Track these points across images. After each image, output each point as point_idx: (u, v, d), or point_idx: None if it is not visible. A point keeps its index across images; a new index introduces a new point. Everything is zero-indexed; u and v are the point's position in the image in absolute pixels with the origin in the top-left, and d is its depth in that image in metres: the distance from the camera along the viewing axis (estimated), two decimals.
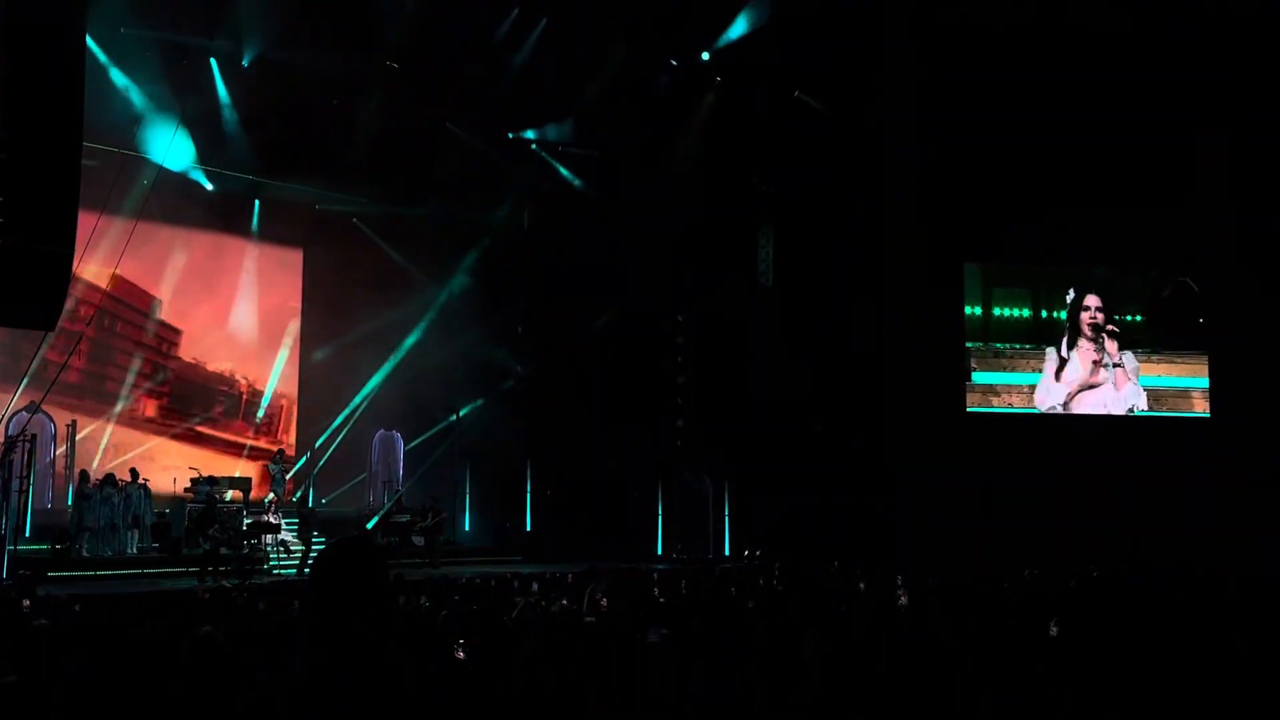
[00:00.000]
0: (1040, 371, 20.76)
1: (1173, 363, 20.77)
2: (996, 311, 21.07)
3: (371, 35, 18.95)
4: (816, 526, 19.28)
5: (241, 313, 22.64)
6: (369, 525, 20.38)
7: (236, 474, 21.07)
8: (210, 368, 22.41)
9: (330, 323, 22.46)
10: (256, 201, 22.40)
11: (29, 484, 16.15)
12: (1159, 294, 21.17)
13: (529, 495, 23.18)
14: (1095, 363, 20.60)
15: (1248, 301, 19.86)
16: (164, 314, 21.68)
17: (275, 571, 17.53)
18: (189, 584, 14.58)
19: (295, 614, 8.62)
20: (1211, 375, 20.62)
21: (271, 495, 19.10)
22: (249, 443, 22.60)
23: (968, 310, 21.03)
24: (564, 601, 9.27)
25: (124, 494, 17.53)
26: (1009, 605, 9.15)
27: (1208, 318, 20.77)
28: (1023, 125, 18.84)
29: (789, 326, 21.14)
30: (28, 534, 16.63)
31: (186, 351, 22.04)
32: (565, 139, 22.50)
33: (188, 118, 18.73)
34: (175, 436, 21.46)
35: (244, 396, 22.73)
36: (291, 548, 18.21)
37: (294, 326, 23.36)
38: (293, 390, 23.44)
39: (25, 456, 15.81)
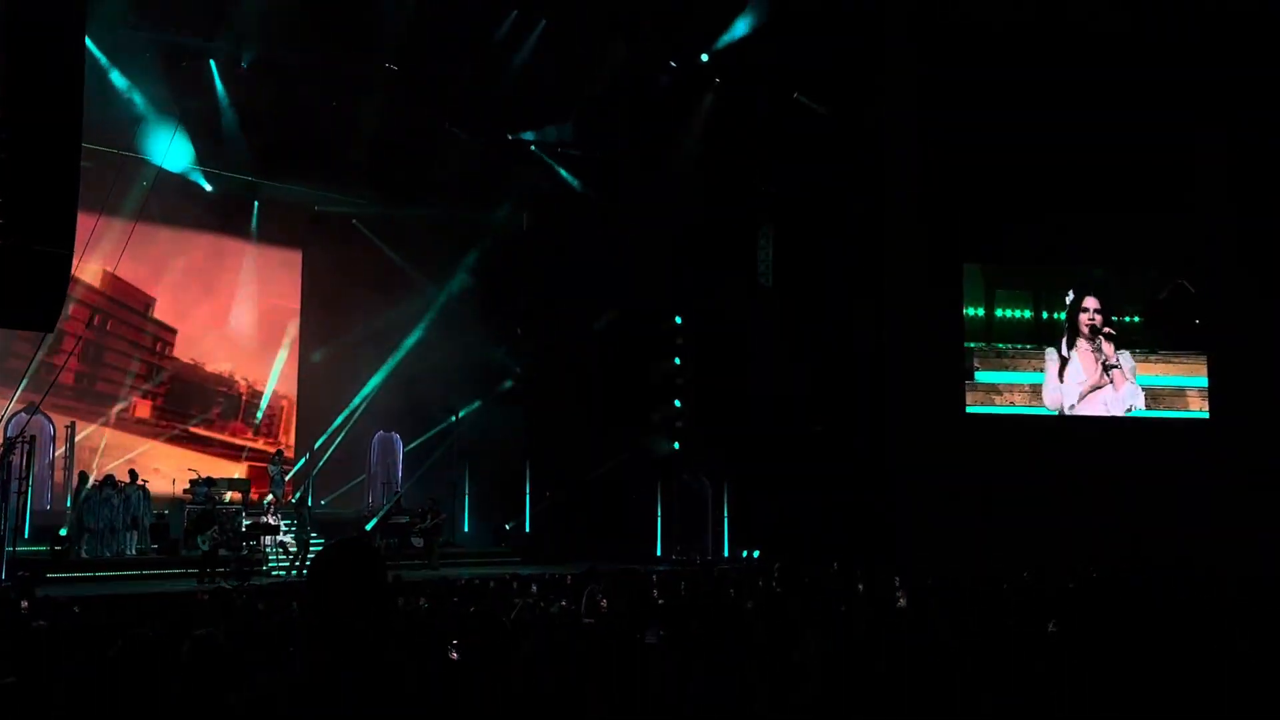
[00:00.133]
0: (1042, 371, 20.77)
1: (1169, 362, 20.79)
2: (999, 313, 21.11)
3: (371, 36, 18.95)
4: (816, 527, 19.27)
5: (240, 314, 22.64)
6: (368, 527, 20.37)
7: (235, 475, 21.06)
8: (209, 369, 22.41)
9: (329, 324, 22.48)
10: (255, 202, 22.40)
11: (28, 485, 16.16)
12: (1157, 295, 21.19)
13: (528, 496, 23.18)
14: (1102, 365, 20.64)
15: (1247, 301, 19.84)
16: (163, 315, 21.68)
17: (274, 573, 17.53)
18: (188, 585, 14.57)
19: (294, 615, 8.61)
20: (1211, 376, 20.61)
21: (270, 497, 19.08)
22: (248, 444, 22.59)
23: (971, 311, 21.05)
24: (563, 603, 9.27)
25: (123, 495, 17.52)
26: (1009, 605, 9.14)
27: (1207, 318, 20.76)
28: (1023, 125, 18.82)
29: (789, 326, 21.13)
30: (26, 535, 16.65)
31: (185, 353, 22.03)
32: (565, 140, 22.50)
33: (187, 119, 18.73)
34: (174, 438, 21.44)
35: (243, 398, 22.73)
36: (290, 549, 18.21)
37: (293, 328, 23.36)
38: (292, 391, 23.44)
39: (24, 458, 15.82)
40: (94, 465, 19.19)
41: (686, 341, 23.30)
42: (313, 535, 18.33)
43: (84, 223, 12.72)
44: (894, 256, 20.59)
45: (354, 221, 22.82)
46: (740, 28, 20.20)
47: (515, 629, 6.38)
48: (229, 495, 19.44)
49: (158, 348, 21.63)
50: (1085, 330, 20.74)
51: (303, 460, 22.35)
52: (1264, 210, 19.51)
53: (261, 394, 22.90)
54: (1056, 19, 19.56)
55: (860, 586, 11.10)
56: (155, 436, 21.13)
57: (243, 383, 22.74)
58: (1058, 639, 6.91)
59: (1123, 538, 16.65)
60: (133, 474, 18.13)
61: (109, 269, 19.33)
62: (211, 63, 19.25)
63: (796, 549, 18.53)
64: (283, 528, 18.54)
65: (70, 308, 17.06)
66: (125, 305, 21.02)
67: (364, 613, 2.65)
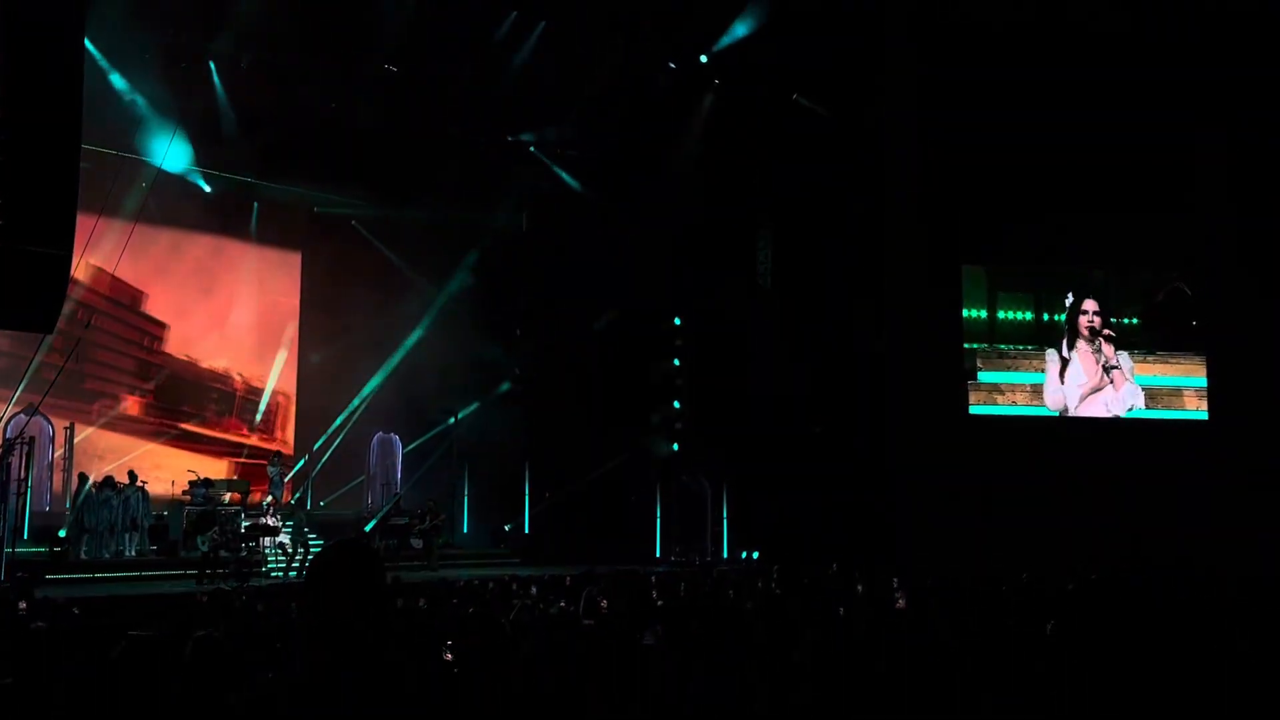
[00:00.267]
0: (1043, 372, 20.79)
1: (1166, 363, 20.82)
2: (1001, 315, 21.16)
3: (371, 37, 18.94)
4: (816, 527, 19.27)
5: (239, 315, 22.61)
6: (367, 528, 20.36)
7: (222, 476, 21.01)
8: (209, 370, 22.37)
9: (328, 325, 22.45)
10: (255, 203, 22.39)
11: (27, 487, 16.16)
12: (1154, 298, 21.20)
13: (527, 497, 23.17)
14: (1102, 367, 20.67)
15: (1247, 302, 19.83)
16: (161, 316, 21.64)
17: (273, 574, 17.52)
18: (187, 587, 14.57)
19: (293, 616, 8.61)
20: (1211, 376, 20.61)
21: (270, 498, 19.06)
22: (247, 443, 22.57)
23: (975, 314, 21.09)
24: (562, 604, 9.26)
25: (122, 497, 17.51)
26: (1008, 606, 9.14)
27: (1207, 318, 20.75)
28: (1023, 125, 18.80)
29: (789, 327, 21.13)
30: (25, 536, 16.64)
31: (184, 353, 22.00)
32: (564, 141, 22.49)
33: (186, 120, 18.73)
34: (173, 439, 21.42)
35: (238, 394, 22.68)
36: (288, 549, 18.19)
37: (292, 329, 23.34)
38: (290, 389, 23.41)
39: (23, 459, 15.82)
40: (89, 466, 19.16)
41: (686, 342, 23.30)
42: (311, 537, 18.33)
43: (83, 224, 12.71)
44: (894, 257, 20.58)
45: (353, 222, 22.81)
46: (739, 30, 20.20)
47: (514, 630, 6.37)
48: (227, 496, 19.42)
49: (146, 343, 21.53)
50: (1085, 332, 20.76)
51: (302, 462, 22.33)
52: (1264, 210, 19.49)
53: (258, 391, 22.86)
54: (1056, 19, 19.55)
55: (859, 588, 11.08)
56: (153, 435, 21.10)
57: (238, 379, 22.70)
58: (1057, 639, 6.90)
59: (1123, 538, 16.64)
60: (132, 475, 18.11)
61: (107, 269, 19.30)
62: (211, 63, 19.24)
63: (796, 549, 18.54)
64: (283, 529, 18.52)
65: (67, 308, 17.04)
66: (121, 304, 20.98)
67: (363, 613, 2.67)
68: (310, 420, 22.95)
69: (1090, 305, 20.82)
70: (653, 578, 12.99)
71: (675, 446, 23.19)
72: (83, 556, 16.77)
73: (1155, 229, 20.18)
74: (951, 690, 5.48)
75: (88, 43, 14.63)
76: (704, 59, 21.07)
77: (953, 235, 20.33)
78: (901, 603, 9.01)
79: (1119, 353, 20.82)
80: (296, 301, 23.43)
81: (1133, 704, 5.55)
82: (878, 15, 19.90)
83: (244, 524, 17.85)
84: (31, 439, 16.60)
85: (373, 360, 22.30)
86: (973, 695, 5.53)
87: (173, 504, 18.83)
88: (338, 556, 2.79)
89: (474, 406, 22.84)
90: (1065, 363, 20.81)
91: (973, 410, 20.66)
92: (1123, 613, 8.70)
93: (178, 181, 20.07)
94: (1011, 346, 21.01)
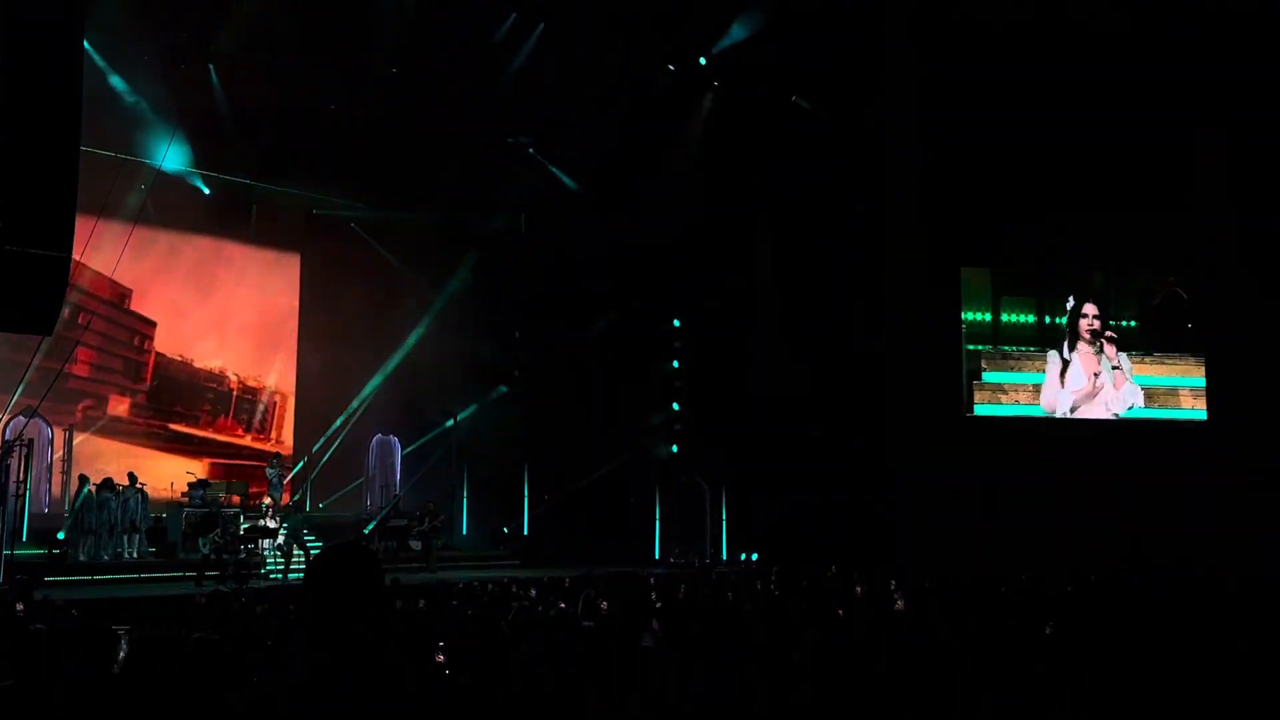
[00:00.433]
0: (1044, 372, 20.82)
1: (1163, 364, 20.85)
2: (1005, 317, 21.21)
3: (370, 38, 18.93)
4: (816, 528, 19.26)
5: (238, 316, 22.59)
6: (366, 530, 20.34)
7: (231, 480, 20.99)
8: (207, 371, 22.35)
9: (327, 326, 22.43)
10: (253, 204, 22.38)
11: (26, 488, 16.14)
12: (1151, 300, 21.22)
13: (526, 499, 23.16)
14: (1095, 374, 20.71)
15: (1247, 302, 19.83)
16: (160, 317, 21.62)
17: (272, 576, 17.50)
18: (186, 588, 14.55)
19: (292, 617, 8.60)
20: (1210, 376, 20.61)
21: (269, 500, 19.04)
22: (246, 444, 22.56)
23: (979, 316, 21.15)
24: (561, 605, 9.25)
25: (121, 498, 17.49)
26: (1008, 606, 9.13)
27: (1206, 319, 20.74)
28: (1023, 125, 18.81)
29: (789, 327, 21.13)
30: (24, 538, 16.63)
31: (183, 354, 21.98)
32: (564, 143, 22.48)
33: (185, 121, 18.71)
34: (171, 440, 21.40)
35: (234, 394, 22.65)
36: (285, 551, 18.17)
37: (291, 330, 23.33)
38: (288, 389, 23.39)
39: (22, 461, 15.81)
40: (88, 467, 19.14)
41: (686, 343, 23.29)
42: (309, 539, 18.30)
43: (81, 225, 12.69)
44: (894, 257, 20.58)
45: (352, 223, 22.80)
46: (738, 32, 20.19)
47: (513, 631, 6.37)
48: (224, 497, 19.40)
49: (136, 342, 21.50)
50: (1086, 335, 20.78)
51: (301, 463, 22.32)
52: (1264, 210, 19.49)
53: (259, 395, 22.85)
54: (1056, 19, 19.55)
55: (858, 589, 11.07)
56: (149, 435, 21.08)
57: (234, 379, 22.67)
58: (1057, 640, 6.89)
59: (1122, 538, 16.65)
60: (131, 477, 18.07)
61: (105, 271, 19.27)
62: (210, 64, 19.23)
63: (796, 550, 18.53)
64: (281, 531, 18.50)
65: (64, 310, 17.02)
66: (123, 308, 20.98)
67: (362, 615, 2.67)
68: (309, 422, 22.93)
69: (1090, 309, 20.84)
70: (652, 579, 12.99)
71: (675, 448, 23.18)
72: (82, 558, 16.75)
73: (1155, 229, 20.18)
74: (951, 691, 5.47)
75: (87, 43, 14.60)
76: (703, 61, 21.06)
77: (953, 235, 20.34)
78: (901, 603, 9.00)
79: (1119, 354, 20.84)
80: (295, 303, 23.42)
81: (1133, 704, 5.54)
82: (878, 15, 19.91)
83: (243, 526, 17.84)
84: (30, 441, 16.59)
85: (371, 361, 22.30)
86: (973, 696, 5.52)
87: (171, 506, 18.81)
88: (337, 558, 2.80)
89: (473, 408, 22.84)
90: (1066, 364, 20.83)
91: (977, 410, 20.68)
92: (1123, 613, 8.70)
93: (176, 182, 20.06)
94: (1014, 348, 21.07)
